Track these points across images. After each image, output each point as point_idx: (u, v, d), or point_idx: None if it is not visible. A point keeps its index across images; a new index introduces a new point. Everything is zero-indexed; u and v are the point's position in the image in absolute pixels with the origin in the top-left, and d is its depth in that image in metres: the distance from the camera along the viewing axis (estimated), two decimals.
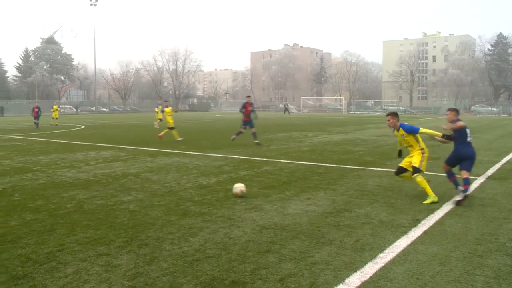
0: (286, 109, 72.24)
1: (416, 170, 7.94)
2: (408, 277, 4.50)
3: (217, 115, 65.57)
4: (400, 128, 8.14)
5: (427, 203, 7.62)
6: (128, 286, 4.29)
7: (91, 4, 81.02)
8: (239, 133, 18.63)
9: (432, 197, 7.74)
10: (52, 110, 38.04)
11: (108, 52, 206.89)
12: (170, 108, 21.54)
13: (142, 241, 5.63)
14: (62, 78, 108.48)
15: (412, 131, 8.05)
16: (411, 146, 8.18)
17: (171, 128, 20.42)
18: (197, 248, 5.34)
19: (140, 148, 17.29)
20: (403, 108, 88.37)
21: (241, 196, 8.11)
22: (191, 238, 5.74)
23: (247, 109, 18.63)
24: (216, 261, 4.92)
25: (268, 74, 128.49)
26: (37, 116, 33.82)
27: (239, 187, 8.23)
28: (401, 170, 8.34)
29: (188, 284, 4.31)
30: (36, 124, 33.24)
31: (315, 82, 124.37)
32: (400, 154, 8.87)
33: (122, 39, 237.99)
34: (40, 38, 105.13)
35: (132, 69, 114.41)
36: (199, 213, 7.02)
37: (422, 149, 8.10)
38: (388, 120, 8.28)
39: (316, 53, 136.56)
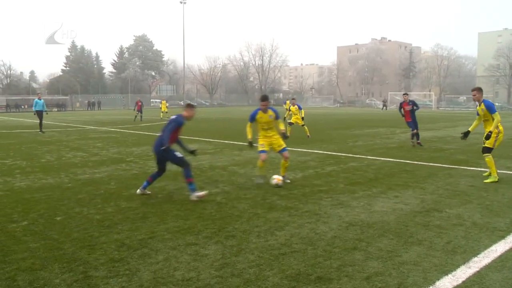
0: (384, 105, 73.05)
1: (487, 150, 9.19)
2: (507, 285, 4.22)
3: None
4: (482, 103, 9.29)
5: (487, 182, 8.99)
6: (216, 276, 4.40)
7: (181, 2, 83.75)
8: (413, 135, 16.61)
9: (493, 177, 9.08)
10: (161, 105, 41.27)
11: (196, 48, 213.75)
12: (295, 107, 19.99)
13: (229, 233, 5.75)
14: (153, 73, 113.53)
15: (490, 109, 9.16)
16: (487, 120, 9.31)
17: (302, 125, 19.63)
18: (283, 242, 5.36)
19: (227, 141, 17.67)
20: (499, 104, 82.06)
21: (280, 185, 8.68)
22: (277, 232, 5.78)
23: (404, 109, 16.90)
24: (302, 255, 4.92)
25: (354, 69, 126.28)
26: (140, 109, 36.19)
27: (276, 178, 8.79)
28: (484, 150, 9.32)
29: (274, 277, 4.35)
30: (140, 116, 35.72)
31: (403, 77, 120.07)
32: (465, 137, 9.70)
33: (210, 35, 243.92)
34: (134, 35, 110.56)
35: (219, 64, 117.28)
36: (285, 208, 7.06)
37: (498, 131, 9.18)
38: (474, 95, 9.47)
39: (405, 47, 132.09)
